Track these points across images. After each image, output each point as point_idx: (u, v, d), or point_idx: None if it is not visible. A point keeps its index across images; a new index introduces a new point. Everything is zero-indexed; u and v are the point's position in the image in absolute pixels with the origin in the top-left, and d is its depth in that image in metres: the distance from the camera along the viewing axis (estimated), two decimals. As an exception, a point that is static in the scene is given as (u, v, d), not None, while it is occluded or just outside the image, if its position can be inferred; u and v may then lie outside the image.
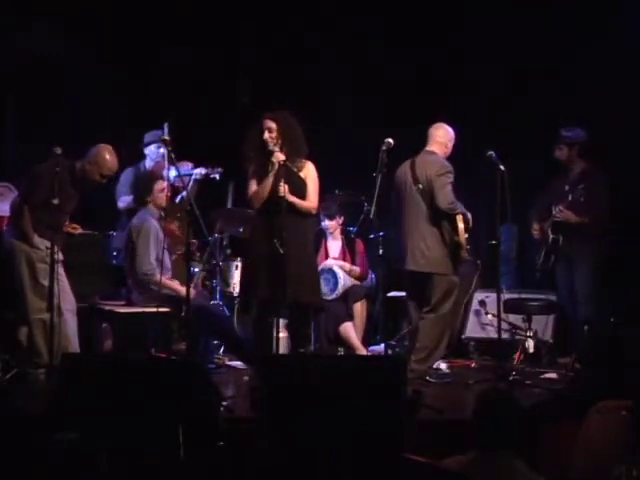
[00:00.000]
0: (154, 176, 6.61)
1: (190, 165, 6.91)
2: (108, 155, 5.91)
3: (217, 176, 7.09)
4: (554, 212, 6.73)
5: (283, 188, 5.57)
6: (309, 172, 5.82)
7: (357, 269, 7.26)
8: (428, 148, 6.38)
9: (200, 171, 7.00)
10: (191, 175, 6.77)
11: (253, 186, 5.79)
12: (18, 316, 5.99)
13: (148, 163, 7.12)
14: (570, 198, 6.67)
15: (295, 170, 5.75)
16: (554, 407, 5.43)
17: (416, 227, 6.25)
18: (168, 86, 7.81)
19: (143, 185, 6.53)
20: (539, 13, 7.55)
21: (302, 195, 5.78)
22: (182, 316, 5.99)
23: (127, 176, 7.01)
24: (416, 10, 7.81)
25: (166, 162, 6.99)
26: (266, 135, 5.67)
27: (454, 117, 7.29)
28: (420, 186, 6.22)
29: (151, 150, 7.10)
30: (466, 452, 3.40)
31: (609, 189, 6.72)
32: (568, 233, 6.74)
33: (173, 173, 6.60)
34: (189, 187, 6.67)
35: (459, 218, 6.22)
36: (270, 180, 5.68)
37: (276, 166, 5.61)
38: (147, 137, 7.14)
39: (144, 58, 7.94)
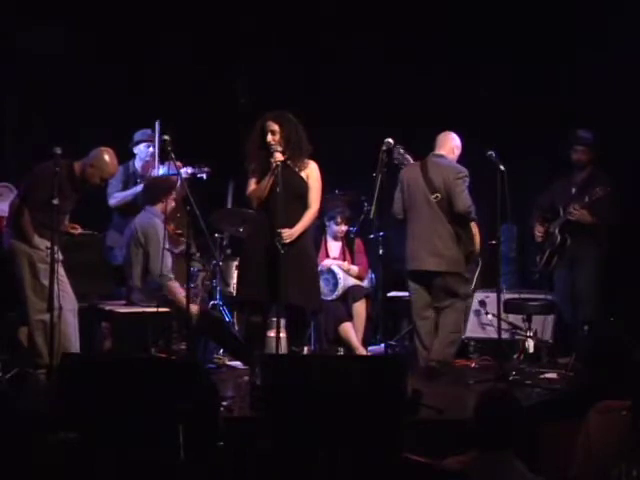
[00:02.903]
0: (174, 184, 6.56)
1: (179, 165, 6.80)
2: (109, 159, 5.91)
3: (204, 176, 7.07)
4: (571, 209, 6.68)
5: (287, 236, 5.57)
6: (311, 172, 5.79)
7: (355, 268, 7.27)
8: (437, 152, 6.39)
9: (186, 170, 6.98)
10: (179, 175, 6.61)
11: (252, 185, 5.80)
12: (19, 316, 5.99)
13: (137, 163, 7.07)
14: (587, 199, 6.62)
15: (296, 170, 5.75)
16: (554, 407, 5.43)
17: (433, 230, 6.23)
18: (167, 86, 7.80)
19: (164, 186, 6.49)
20: (539, 13, 7.55)
21: (301, 195, 5.76)
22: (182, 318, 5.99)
23: (117, 174, 6.90)
24: (416, 10, 7.82)
25: (156, 161, 7.00)
26: (269, 137, 5.65)
27: (454, 117, 7.31)
28: (438, 196, 6.22)
29: (140, 149, 7.07)
30: (466, 452, 3.40)
31: (616, 189, 6.71)
32: (576, 234, 6.72)
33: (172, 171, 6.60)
34: (178, 188, 6.66)
35: (473, 225, 6.25)
36: (268, 180, 5.67)
37: (273, 166, 5.61)
38: (137, 136, 7.10)
39: (144, 58, 7.94)
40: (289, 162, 5.70)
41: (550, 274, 6.96)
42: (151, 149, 7.05)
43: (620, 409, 3.42)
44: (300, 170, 5.75)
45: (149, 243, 6.27)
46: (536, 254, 7.02)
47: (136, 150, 7.09)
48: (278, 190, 5.53)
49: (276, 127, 5.66)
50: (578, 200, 6.69)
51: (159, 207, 6.41)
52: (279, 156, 5.62)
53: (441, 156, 6.37)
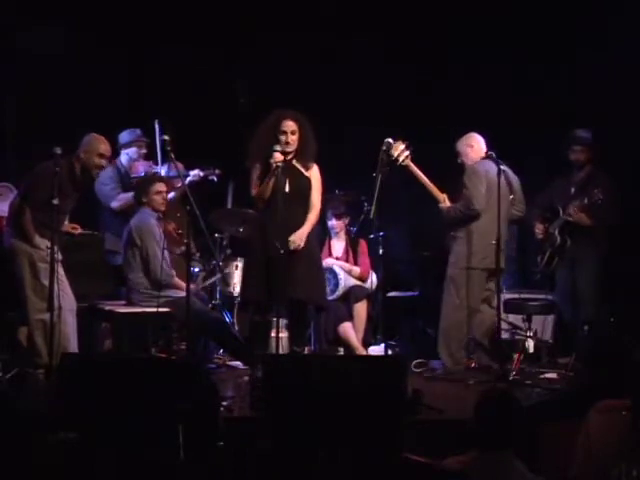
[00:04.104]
0: (153, 178, 6.60)
1: (180, 166, 6.74)
2: (98, 138, 5.94)
3: (215, 178, 7.07)
4: (570, 211, 6.68)
5: (299, 241, 5.67)
6: (314, 173, 5.88)
7: (357, 269, 7.26)
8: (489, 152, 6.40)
9: (198, 173, 6.96)
10: (180, 177, 6.48)
11: (257, 185, 5.79)
12: (19, 316, 5.99)
13: (126, 162, 7.02)
14: (586, 201, 6.61)
15: (302, 171, 5.79)
16: (554, 407, 5.43)
17: (506, 228, 6.29)
18: (167, 86, 7.80)
19: (141, 185, 6.54)
20: (539, 13, 7.55)
21: (306, 194, 5.83)
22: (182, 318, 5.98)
23: (110, 174, 6.88)
24: (416, 10, 7.82)
25: (159, 162, 6.99)
26: (289, 138, 5.69)
27: (454, 117, 7.31)
28: (513, 196, 6.29)
29: (132, 150, 7.03)
30: (466, 452, 3.40)
31: (615, 188, 6.70)
32: (576, 235, 6.71)
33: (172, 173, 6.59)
34: (179, 187, 6.66)
35: None
36: (271, 181, 5.69)
37: (273, 167, 5.62)
38: (125, 136, 7.03)
39: (144, 58, 7.94)
40: (295, 162, 5.73)
41: (551, 274, 6.96)
42: (143, 150, 7.04)
43: (620, 409, 3.42)
44: (306, 171, 5.81)
45: (145, 244, 6.27)
46: (536, 254, 7.02)
47: (127, 151, 7.04)
48: (286, 189, 5.61)
49: (296, 127, 5.71)
50: (577, 201, 6.67)
51: (149, 206, 6.42)
52: (279, 156, 5.64)
53: None
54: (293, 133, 5.70)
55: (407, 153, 6.24)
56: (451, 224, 6.46)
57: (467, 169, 6.40)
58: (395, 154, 6.15)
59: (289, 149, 5.69)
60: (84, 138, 5.95)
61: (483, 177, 6.34)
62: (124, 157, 7.03)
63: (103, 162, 5.98)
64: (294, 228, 5.74)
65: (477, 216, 6.32)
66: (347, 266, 7.23)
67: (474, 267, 6.34)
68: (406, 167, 6.34)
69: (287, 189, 5.65)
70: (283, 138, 5.69)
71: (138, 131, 7.04)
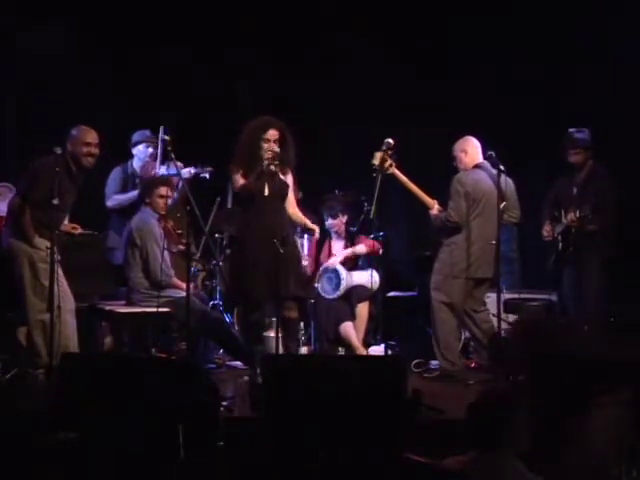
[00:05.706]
0: (158, 181, 6.58)
1: (180, 165, 6.73)
2: (84, 128, 5.95)
3: (207, 175, 7.07)
4: (568, 219, 6.70)
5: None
6: (289, 177, 5.99)
7: (362, 246, 7.17)
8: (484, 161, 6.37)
9: (189, 170, 6.95)
10: (179, 176, 6.44)
11: (241, 181, 5.86)
12: (19, 316, 5.99)
13: (136, 163, 7.05)
14: (578, 214, 6.60)
15: (279, 175, 5.88)
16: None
17: (499, 237, 6.19)
18: (167, 86, 7.81)
19: (146, 186, 6.55)
20: (539, 12, 7.55)
21: (284, 195, 5.93)
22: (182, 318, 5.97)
23: (115, 175, 6.97)
24: (416, 10, 7.82)
25: (157, 162, 6.99)
26: (272, 146, 5.80)
27: (454, 117, 7.32)
28: (505, 203, 6.19)
29: (139, 150, 7.05)
30: (466, 452, 3.40)
31: (615, 187, 6.69)
32: (578, 238, 6.71)
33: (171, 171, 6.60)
34: (179, 188, 6.66)
35: None
36: (260, 181, 5.78)
37: (264, 167, 5.72)
38: (135, 136, 7.09)
39: (144, 58, 7.95)
40: (273, 167, 5.83)
41: (560, 271, 6.97)
42: (150, 150, 7.05)
43: (620, 403, 3.41)
44: (283, 175, 5.93)
45: (145, 244, 6.28)
46: (538, 254, 7.04)
47: (135, 151, 7.08)
48: (265, 193, 5.76)
49: (278, 136, 5.85)
50: (574, 207, 6.67)
51: (151, 207, 6.42)
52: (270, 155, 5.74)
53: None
54: (275, 142, 5.82)
55: (389, 162, 6.19)
56: (439, 231, 6.44)
57: (454, 178, 6.35)
58: (377, 164, 6.10)
59: (269, 156, 5.77)
60: (70, 131, 5.95)
61: (469, 188, 6.29)
62: (135, 158, 7.06)
63: (92, 150, 5.93)
64: (278, 227, 5.79)
65: (458, 228, 6.30)
66: (349, 251, 7.17)
67: (457, 276, 6.31)
68: (392, 175, 6.29)
69: (266, 192, 5.77)
70: (266, 146, 5.82)
71: (147, 132, 7.06)
